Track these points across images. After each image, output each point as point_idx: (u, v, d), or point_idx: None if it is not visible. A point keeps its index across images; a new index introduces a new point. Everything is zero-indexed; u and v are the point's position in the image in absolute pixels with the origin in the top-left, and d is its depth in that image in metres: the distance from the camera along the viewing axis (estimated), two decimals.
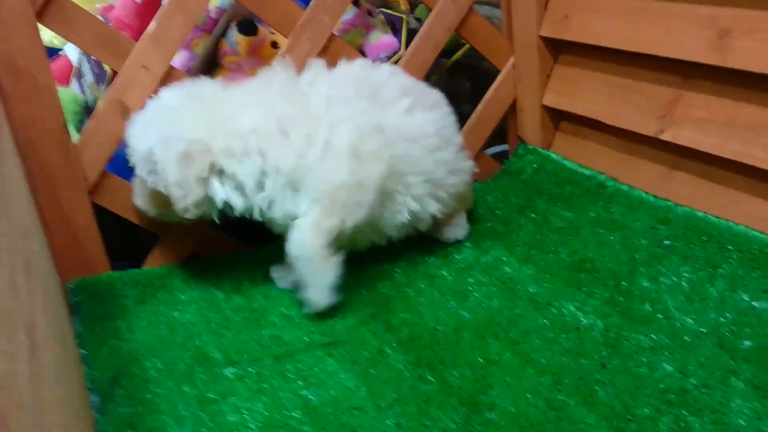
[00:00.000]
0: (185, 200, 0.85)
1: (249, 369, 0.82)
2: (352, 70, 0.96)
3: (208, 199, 0.88)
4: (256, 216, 0.90)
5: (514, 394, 0.75)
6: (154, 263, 1.04)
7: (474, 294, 0.93)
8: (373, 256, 1.02)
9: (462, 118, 1.23)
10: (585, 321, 0.85)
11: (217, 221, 0.91)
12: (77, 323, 0.92)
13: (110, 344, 0.88)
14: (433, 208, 0.97)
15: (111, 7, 1.30)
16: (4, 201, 0.59)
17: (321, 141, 0.86)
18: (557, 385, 0.75)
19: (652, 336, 0.80)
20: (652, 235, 0.98)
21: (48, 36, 1.26)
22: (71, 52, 1.23)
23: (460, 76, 1.58)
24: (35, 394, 0.39)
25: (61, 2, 0.90)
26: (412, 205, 0.94)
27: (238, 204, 0.88)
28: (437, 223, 1.03)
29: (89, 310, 0.94)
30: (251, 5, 1.01)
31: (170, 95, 0.90)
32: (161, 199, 0.89)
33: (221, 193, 0.87)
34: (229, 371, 0.82)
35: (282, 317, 0.92)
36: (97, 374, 0.82)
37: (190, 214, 0.87)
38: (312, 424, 0.73)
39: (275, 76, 0.93)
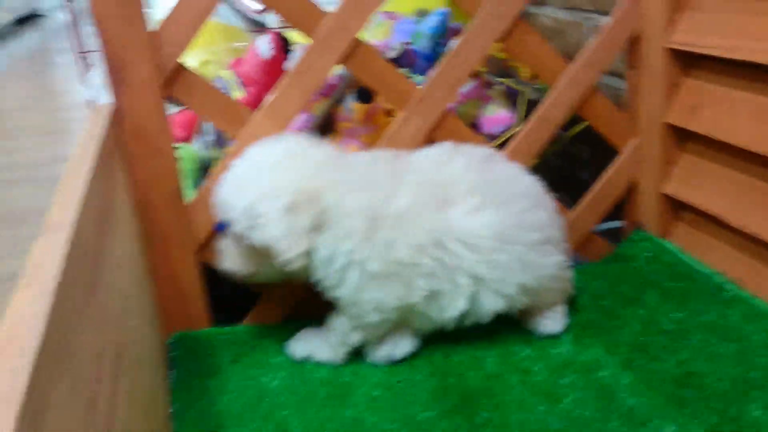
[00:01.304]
0: (289, 252, 0.87)
1: None
2: (426, 162, 0.96)
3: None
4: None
5: None
6: (252, 320, 1.07)
7: (566, 398, 0.89)
8: (466, 339, 1.00)
9: (580, 184, 1.19)
10: None
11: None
12: (172, 378, 0.96)
13: (199, 405, 0.91)
14: (495, 305, 0.95)
15: (239, 62, 1.36)
16: (104, 295, 0.62)
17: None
18: None
19: None
20: None
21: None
22: None
23: (581, 144, 1.53)
24: None
25: (185, 74, 0.94)
26: (461, 303, 0.93)
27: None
28: (525, 311, 1.00)
29: (185, 365, 0.98)
30: (367, 81, 1.03)
31: (263, 152, 0.92)
32: (256, 258, 0.91)
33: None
34: None
35: (366, 398, 0.92)
36: None
37: (292, 266, 0.88)
38: None
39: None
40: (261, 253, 0.89)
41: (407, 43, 1.34)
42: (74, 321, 0.48)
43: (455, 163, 0.96)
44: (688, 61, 1.09)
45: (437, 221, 0.92)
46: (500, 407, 0.88)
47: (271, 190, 0.87)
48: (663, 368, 0.92)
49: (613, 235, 1.27)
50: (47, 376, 0.39)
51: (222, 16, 2.09)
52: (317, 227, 0.88)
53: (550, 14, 1.58)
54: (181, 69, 0.94)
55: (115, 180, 0.82)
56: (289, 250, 0.87)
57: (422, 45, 1.33)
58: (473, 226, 0.92)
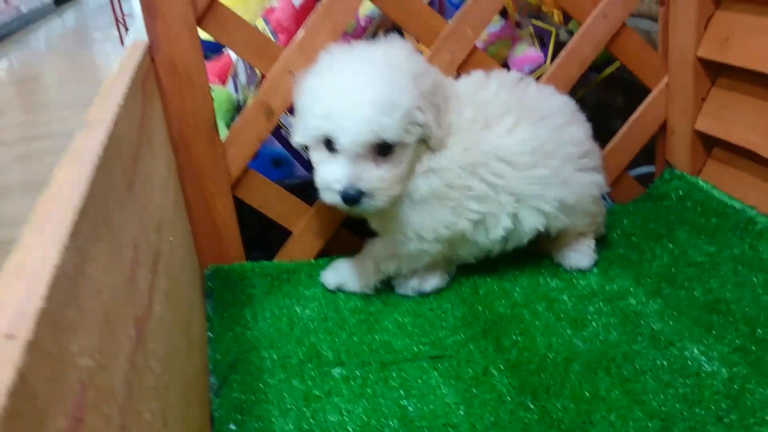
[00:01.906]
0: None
1: (356, 372, 0.85)
2: (464, 86, 0.97)
3: None
4: None
5: None
6: (284, 257, 1.10)
7: (592, 324, 0.90)
8: (495, 272, 1.02)
9: (612, 133, 1.19)
10: (708, 367, 0.79)
11: None
12: (209, 307, 0.99)
13: (235, 331, 0.94)
14: (534, 222, 0.96)
15: (272, 10, 1.38)
16: (142, 197, 0.65)
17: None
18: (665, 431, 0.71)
19: None
20: None
21: None
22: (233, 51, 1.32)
23: (614, 92, 1.52)
24: (131, 384, 0.43)
25: (219, 9, 0.97)
26: (506, 221, 0.95)
27: None
28: (555, 241, 1.01)
29: (221, 296, 1.01)
30: (396, 16, 1.04)
31: (369, 60, 0.89)
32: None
33: None
34: (337, 371, 0.85)
35: (395, 324, 0.94)
36: (219, 358, 0.89)
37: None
38: None
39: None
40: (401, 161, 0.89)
41: None
42: (113, 201, 0.50)
43: (489, 86, 0.97)
44: None
45: (483, 142, 0.93)
46: (526, 332, 0.90)
47: (413, 84, 0.87)
48: (691, 296, 0.93)
49: (647, 180, 1.26)
50: (88, 235, 0.41)
51: None
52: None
53: None
54: (214, 4, 0.96)
55: (151, 108, 0.85)
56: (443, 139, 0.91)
57: None
58: (510, 143, 0.94)
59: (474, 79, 0.99)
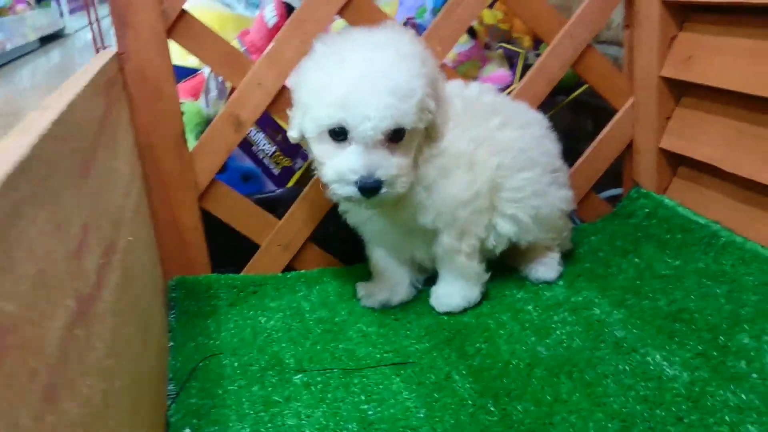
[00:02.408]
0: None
1: (317, 378, 0.84)
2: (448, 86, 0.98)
3: None
4: None
5: None
6: (251, 270, 1.09)
7: (556, 332, 0.89)
8: None
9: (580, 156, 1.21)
10: (669, 371, 0.79)
11: None
12: (172, 317, 0.98)
13: (197, 340, 0.93)
14: (508, 231, 0.97)
15: (247, 32, 1.39)
16: (99, 187, 0.64)
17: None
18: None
19: (742, 395, 0.73)
20: (763, 292, 0.90)
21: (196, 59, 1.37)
22: (207, 70, 1.33)
23: (583, 116, 1.55)
24: (67, 352, 0.43)
25: (189, 20, 0.98)
26: (500, 225, 0.96)
27: None
28: (524, 255, 1.02)
29: (184, 306, 1.00)
30: None
31: (378, 47, 0.84)
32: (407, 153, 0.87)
33: None
34: (298, 378, 0.84)
35: (360, 333, 0.93)
36: (179, 366, 0.87)
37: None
38: None
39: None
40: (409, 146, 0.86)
41: (411, 18, 1.37)
42: (60, 177, 0.50)
43: (472, 88, 0.99)
44: (682, 14, 1.11)
45: (479, 129, 0.94)
46: (490, 340, 0.89)
47: (422, 71, 0.84)
48: (655, 306, 0.93)
49: (616, 202, 1.28)
50: (26, 195, 0.41)
51: (232, 6, 2.14)
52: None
53: None
54: (185, 15, 0.97)
55: (117, 113, 0.85)
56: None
57: (426, 19, 1.36)
58: (503, 138, 0.95)
59: (456, 82, 1.01)
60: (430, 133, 0.89)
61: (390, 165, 0.82)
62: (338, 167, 0.83)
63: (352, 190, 0.82)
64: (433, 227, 0.93)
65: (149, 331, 0.79)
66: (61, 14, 5.63)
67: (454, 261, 0.96)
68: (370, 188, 0.81)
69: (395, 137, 0.83)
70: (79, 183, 0.57)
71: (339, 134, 0.83)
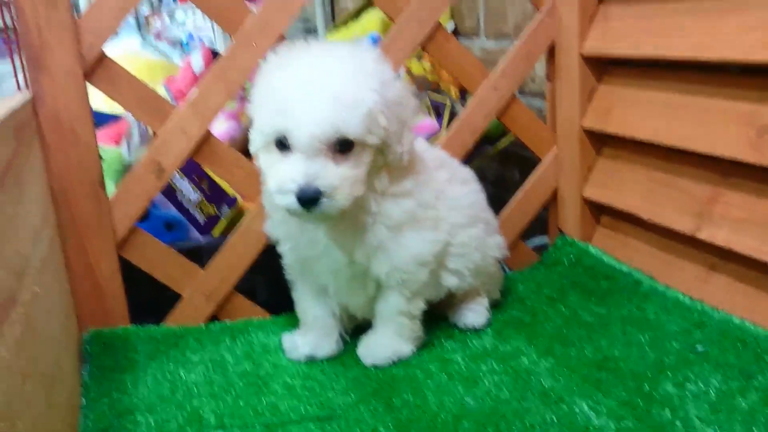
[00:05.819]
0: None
1: None
2: None
3: None
4: None
5: None
6: (173, 321, 1.05)
7: (484, 382, 0.88)
8: None
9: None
10: (596, 421, 0.79)
11: None
12: (85, 372, 0.93)
13: (112, 396, 0.88)
14: (451, 282, 0.97)
15: (173, 79, 1.37)
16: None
17: None
18: None
19: None
20: (685, 339, 0.92)
21: None
22: (131, 116, 1.30)
23: (510, 166, 1.57)
24: None
25: (109, 64, 0.95)
26: (444, 278, 0.96)
27: None
28: (454, 302, 1.01)
29: (100, 361, 0.95)
30: None
31: (332, 58, 0.81)
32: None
33: None
34: None
35: (284, 386, 0.90)
36: (90, 425, 0.82)
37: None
38: None
39: None
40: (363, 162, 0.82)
41: None
42: None
43: (417, 141, 0.94)
44: (601, 68, 1.15)
45: (433, 180, 0.93)
46: (418, 391, 0.87)
47: (378, 88, 0.80)
48: (581, 354, 0.93)
49: (543, 251, 1.29)
50: None
51: (167, 54, 2.12)
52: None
53: (480, 45, 1.65)
54: (104, 58, 0.95)
55: (27, 157, 0.81)
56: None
57: None
58: (454, 192, 0.95)
59: None
60: (387, 157, 0.84)
61: (331, 175, 0.78)
62: (279, 177, 0.79)
63: (291, 200, 0.78)
64: (383, 282, 0.90)
65: (56, 388, 0.74)
66: None
67: (396, 321, 0.94)
68: (308, 198, 0.77)
69: (343, 149, 0.79)
70: None
71: (284, 145, 0.79)
